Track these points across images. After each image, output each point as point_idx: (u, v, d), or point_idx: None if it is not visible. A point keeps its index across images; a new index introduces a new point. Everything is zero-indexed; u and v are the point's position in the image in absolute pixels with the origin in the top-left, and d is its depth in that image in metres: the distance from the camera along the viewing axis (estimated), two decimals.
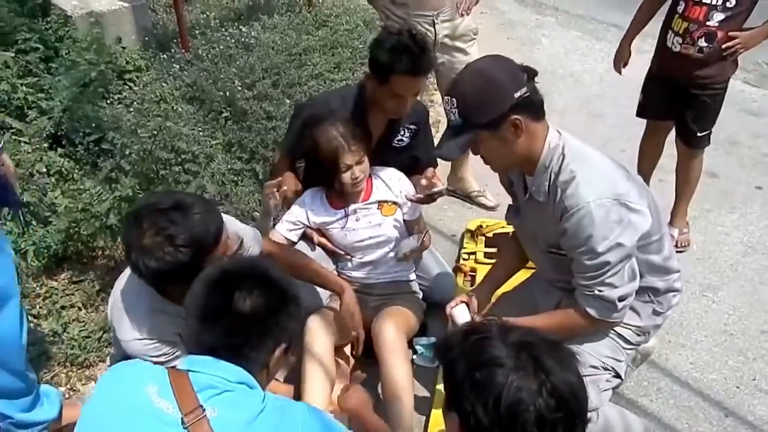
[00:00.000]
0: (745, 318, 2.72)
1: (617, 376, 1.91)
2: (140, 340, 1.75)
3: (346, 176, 2.25)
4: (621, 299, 1.76)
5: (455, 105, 1.70)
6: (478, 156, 1.82)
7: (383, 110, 2.40)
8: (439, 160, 2.65)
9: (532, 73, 1.73)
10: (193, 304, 1.29)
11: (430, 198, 2.39)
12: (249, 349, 1.25)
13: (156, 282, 1.62)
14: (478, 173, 3.33)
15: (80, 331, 2.58)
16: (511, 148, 1.73)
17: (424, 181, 2.38)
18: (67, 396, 2.41)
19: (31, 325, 2.60)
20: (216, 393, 1.19)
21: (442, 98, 3.20)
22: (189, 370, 1.23)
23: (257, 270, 1.33)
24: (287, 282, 1.35)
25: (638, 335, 1.94)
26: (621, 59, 3.03)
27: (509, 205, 2.10)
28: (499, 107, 1.67)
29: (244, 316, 1.25)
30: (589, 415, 1.74)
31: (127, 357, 1.91)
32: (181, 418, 1.15)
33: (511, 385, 1.00)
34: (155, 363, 1.78)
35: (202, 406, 1.17)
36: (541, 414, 0.99)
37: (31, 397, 1.99)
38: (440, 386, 2.32)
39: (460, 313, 2.02)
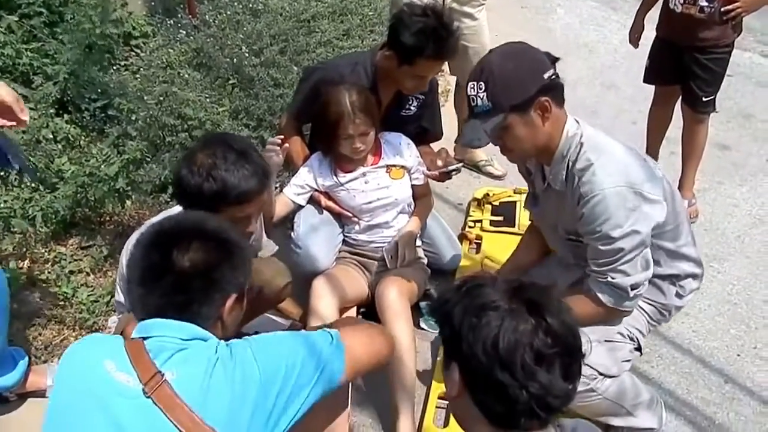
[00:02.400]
0: (749, 288, 2.73)
1: (638, 349, 1.94)
2: None
3: (345, 144, 2.25)
4: (633, 287, 1.76)
5: (483, 88, 1.67)
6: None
7: (402, 88, 2.40)
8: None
9: (553, 59, 1.73)
10: (133, 269, 1.27)
11: (446, 175, 2.40)
12: (197, 305, 1.24)
13: (177, 190, 1.74)
14: None
15: (89, 295, 2.60)
16: (536, 134, 1.72)
17: (440, 162, 2.39)
18: None
19: (40, 290, 2.64)
20: (170, 354, 1.19)
21: (449, 66, 3.19)
22: (142, 337, 1.22)
23: (194, 225, 1.31)
24: (228, 233, 1.32)
25: (661, 314, 1.96)
26: (636, 32, 3.07)
27: (527, 193, 2.12)
28: (531, 88, 1.66)
29: (185, 272, 1.23)
30: (608, 381, 1.81)
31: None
32: (142, 388, 1.14)
33: (508, 326, 1.03)
34: None
35: (160, 371, 1.16)
36: (539, 350, 1.02)
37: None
38: (443, 354, 2.35)
39: None
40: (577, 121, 1.79)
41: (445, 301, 1.12)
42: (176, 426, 1.12)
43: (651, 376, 2.33)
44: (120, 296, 2.02)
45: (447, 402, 2.20)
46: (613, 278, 1.75)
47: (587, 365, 1.74)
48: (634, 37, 3.08)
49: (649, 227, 1.72)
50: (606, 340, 1.86)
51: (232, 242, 1.30)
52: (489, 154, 3.36)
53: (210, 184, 1.66)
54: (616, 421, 1.97)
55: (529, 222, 2.28)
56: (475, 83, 1.69)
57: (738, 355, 2.43)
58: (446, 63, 3.02)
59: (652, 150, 3.18)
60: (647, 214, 1.70)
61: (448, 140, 2.76)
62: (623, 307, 1.80)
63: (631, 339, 1.91)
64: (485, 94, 1.67)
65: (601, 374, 1.82)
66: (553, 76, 1.69)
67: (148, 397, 1.13)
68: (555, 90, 1.71)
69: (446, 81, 3.99)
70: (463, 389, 1.08)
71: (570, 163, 1.75)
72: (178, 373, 1.16)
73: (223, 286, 1.26)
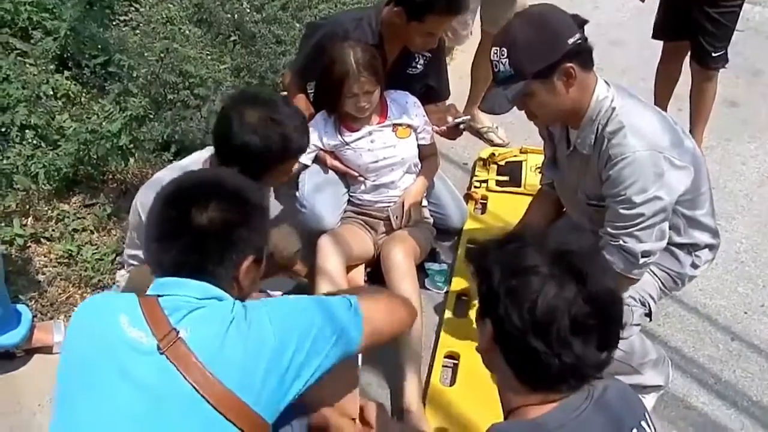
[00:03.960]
0: (757, 246, 2.71)
1: (648, 315, 1.93)
2: None
3: (350, 103, 2.22)
4: (644, 255, 1.74)
5: (505, 55, 1.65)
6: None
7: (410, 45, 2.35)
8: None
9: (581, 22, 1.69)
10: (150, 225, 1.25)
11: (455, 130, 2.37)
12: (212, 265, 1.21)
13: (239, 156, 1.70)
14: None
15: (93, 253, 2.59)
16: (560, 100, 1.69)
17: (450, 118, 2.37)
18: None
19: (44, 248, 2.64)
20: (185, 313, 1.17)
21: (482, 16, 3.09)
22: (157, 295, 1.20)
23: (215, 182, 1.29)
24: (249, 192, 1.29)
25: (674, 282, 1.96)
26: None
27: (545, 158, 2.08)
28: (554, 54, 1.63)
29: (202, 231, 1.20)
30: None
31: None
32: (157, 345, 1.13)
33: (548, 292, 1.01)
34: None
35: (174, 328, 1.14)
36: (576, 320, 1.00)
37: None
38: (448, 314, 2.36)
39: None
40: (608, 84, 1.76)
41: (485, 255, 1.10)
42: (190, 383, 1.11)
43: (658, 334, 2.34)
44: (133, 249, 2.00)
45: (454, 361, 2.21)
46: (625, 242, 1.73)
47: None
48: None
49: (672, 196, 1.70)
50: None
51: (251, 203, 1.27)
52: (494, 122, 3.28)
53: (278, 143, 1.72)
54: (621, 379, 1.98)
55: (539, 186, 2.24)
56: (498, 49, 1.67)
57: (745, 313, 2.43)
58: (477, 15, 2.96)
59: (660, 107, 3.12)
60: (673, 181, 1.68)
61: (453, 100, 2.71)
62: (631, 274, 1.78)
63: (643, 304, 1.90)
64: (507, 60, 1.65)
65: None
66: (579, 41, 1.65)
67: (162, 353, 1.12)
68: (581, 55, 1.66)
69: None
70: (494, 346, 1.08)
71: (600, 126, 1.73)
72: (192, 330, 1.15)
73: (240, 248, 1.24)
